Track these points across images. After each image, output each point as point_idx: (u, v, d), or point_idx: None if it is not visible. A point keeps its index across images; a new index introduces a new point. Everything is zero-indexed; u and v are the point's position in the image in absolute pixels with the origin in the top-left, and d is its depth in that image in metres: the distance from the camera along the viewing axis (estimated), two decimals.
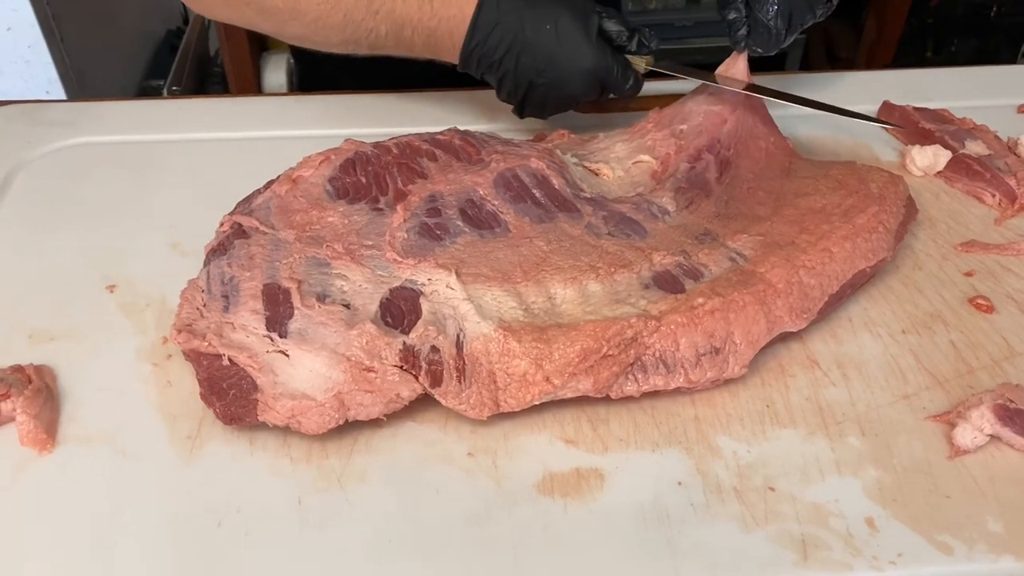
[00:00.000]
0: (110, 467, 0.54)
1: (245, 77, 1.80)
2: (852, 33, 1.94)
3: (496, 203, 0.63)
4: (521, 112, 0.76)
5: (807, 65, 2.07)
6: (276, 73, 1.84)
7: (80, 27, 1.52)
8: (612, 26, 0.72)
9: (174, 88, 1.68)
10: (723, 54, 0.76)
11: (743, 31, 0.71)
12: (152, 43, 1.88)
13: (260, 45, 1.86)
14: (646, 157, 0.70)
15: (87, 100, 0.92)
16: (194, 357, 0.56)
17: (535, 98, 0.74)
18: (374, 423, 0.55)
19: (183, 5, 1.98)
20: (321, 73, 1.05)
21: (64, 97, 1.45)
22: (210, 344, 0.55)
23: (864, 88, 0.90)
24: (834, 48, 2.03)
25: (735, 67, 0.74)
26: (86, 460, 0.54)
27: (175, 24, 1.98)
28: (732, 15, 0.71)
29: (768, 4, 0.69)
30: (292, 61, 1.83)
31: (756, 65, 0.76)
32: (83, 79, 1.50)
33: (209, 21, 1.90)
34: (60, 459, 0.54)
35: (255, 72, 1.82)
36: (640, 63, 0.75)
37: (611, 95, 0.75)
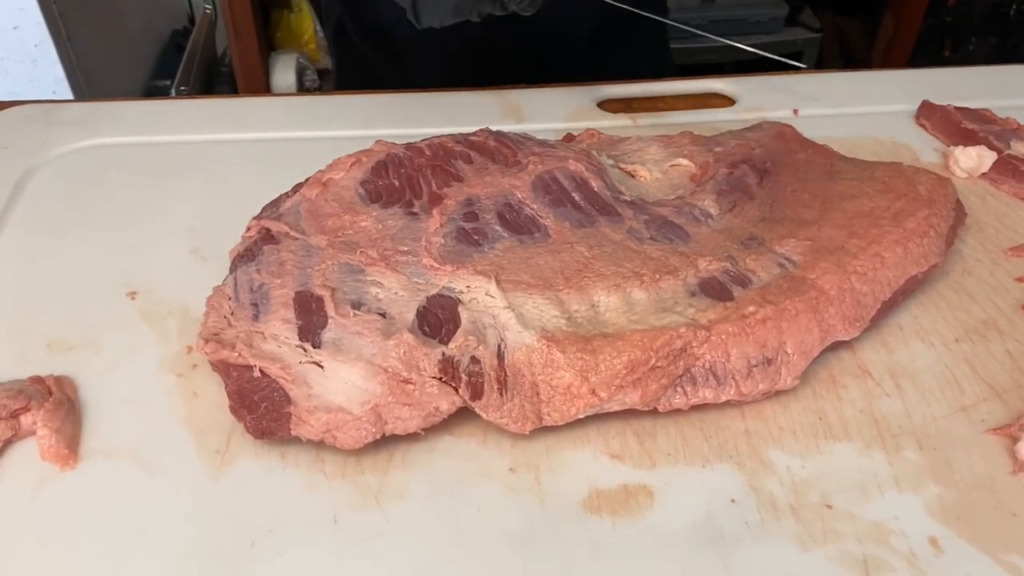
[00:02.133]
0: (135, 483, 0.51)
1: (254, 77, 1.78)
2: (868, 32, 1.92)
3: (535, 207, 0.60)
4: (413, 11, 0.71)
5: (821, 64, 2.05)
6: (285, 73, 1.83)
7: (87, 26, 1.50)
8: None
9: (182, 88, 1.67)
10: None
11: None
12: (159, 43, 1.86)
13: (269, 44, 1.84)
14: (684, 161, 0.68)
15: (101, 100, 0.90)
16: (223, 368, 0.53)
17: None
18: (410, 437, 0.53)
19: (190, 4, 1.97)
20: (360, 63, 1.02)
21: (71, 96, 1.43)
22: (240, 355, 0.52)
23: (898, 87, 0.88)
24: (849, 47, 2.02)
25: None
26: (110, 475, 0.52)
27: (181, 24, 1.96)
28: None
29: None
30: (302, 61, 1.81)
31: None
32: (90, 79, 1.48)
33: (217, 19, 1.88)
34: (83, 474, 0.52)
35: (264, 72, 1.80)
36: None
37: (508, 8, 0.68)
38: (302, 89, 1.84)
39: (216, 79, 1.89)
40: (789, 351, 0.54)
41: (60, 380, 0.56)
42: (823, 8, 2.02)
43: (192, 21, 1.98)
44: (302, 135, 0.82)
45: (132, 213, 0.72)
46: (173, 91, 1.67)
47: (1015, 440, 0.53)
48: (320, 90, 1.93)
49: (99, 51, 1.53)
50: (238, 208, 0.66)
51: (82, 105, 0.88)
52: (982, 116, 0.79)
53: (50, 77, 1.43)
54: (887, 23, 1.81)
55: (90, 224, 0.71)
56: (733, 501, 0.51)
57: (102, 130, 0.82)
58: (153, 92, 1.71)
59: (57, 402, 0.54)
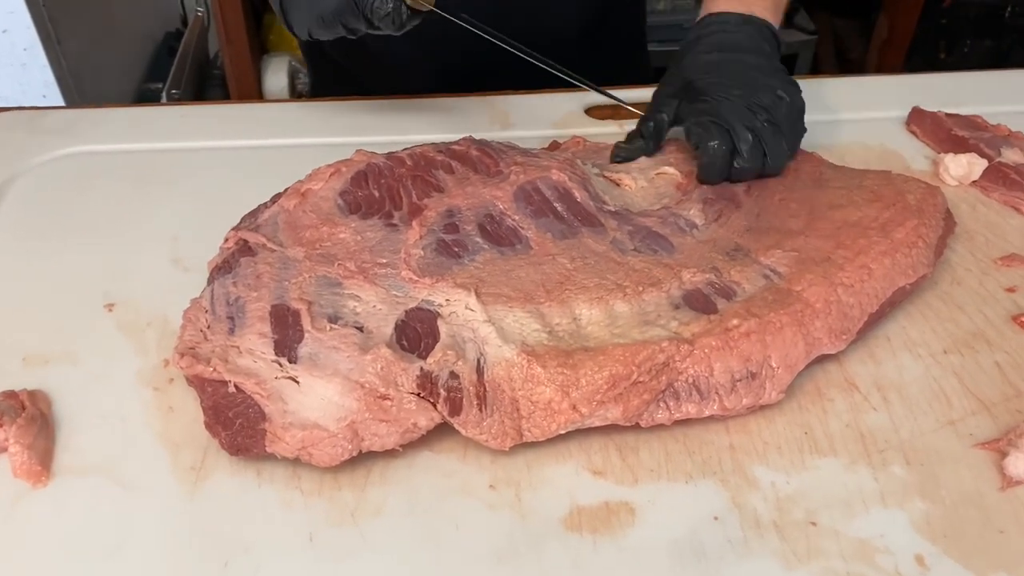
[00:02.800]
0: (109, 500, 0.50)
1: (246, 80, 1.77)
2: (862, 34, 1.92)
3: (516, 218, 0.59)
4: (285, 21, 0.71)
5: (816, 66, 2.05)
6: (277, 76, 1.82)
7: (77, 29, 1.49)
8: None
9: (173, 92, 1.65)
10: None
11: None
12: (151, 46, 1.85)
13: (261, 47, 1.83)
14: (670, 169, 0.67)
15: (85, 106, 0.89)
16: (198, 383, 0.52)
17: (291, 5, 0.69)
18: (389, 453, 0.52)
19: (182, 7, 1.96)
20: (333, 74, 1.01)
21: (61, 100, 1.42)
22: (215, 370, 0.52)
23: (889, 93, 0.87)
24: (844, 49, 2.01)
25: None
26: (83, 493, 0.51)
27: (174, 26, 1.95)
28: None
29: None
30: (294, 64, 1.80)
31: None
32: (80, 82, 1.47)
33: (209, 22, 1.87)
34: (55, 492, 0.51)
35: (256, 75, 1.79)
36: None
37: (376, 26, 0.64)
38: (294, 92, 1.83)
39: (208, 82, 1.88)
40: (774, 365, 0.53)
41: (34, 395, 0.55)
42: (818, 10, 2.01)
43: (184, 23, 1.97)
44: (289, 142, 0.82)
45: (114, 222, 0.71)
46: (164, 95, 1.65)
47: (1003, 455, 0.52)
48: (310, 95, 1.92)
49: (90, 54, 1.52)
50: (222, 217, 0.65)
51: (65, 112, 0.87)
52: (973, 123, 0.78)
53: (39, 81, 1.42)
54: (882, 25, 1.80)
55: (70, 233, 0.70)
56: (716, 518, 0.50)
57: (85, 137, 0.81)
58: (145, 95, 1.70)
59: (30, 417, 0.53)
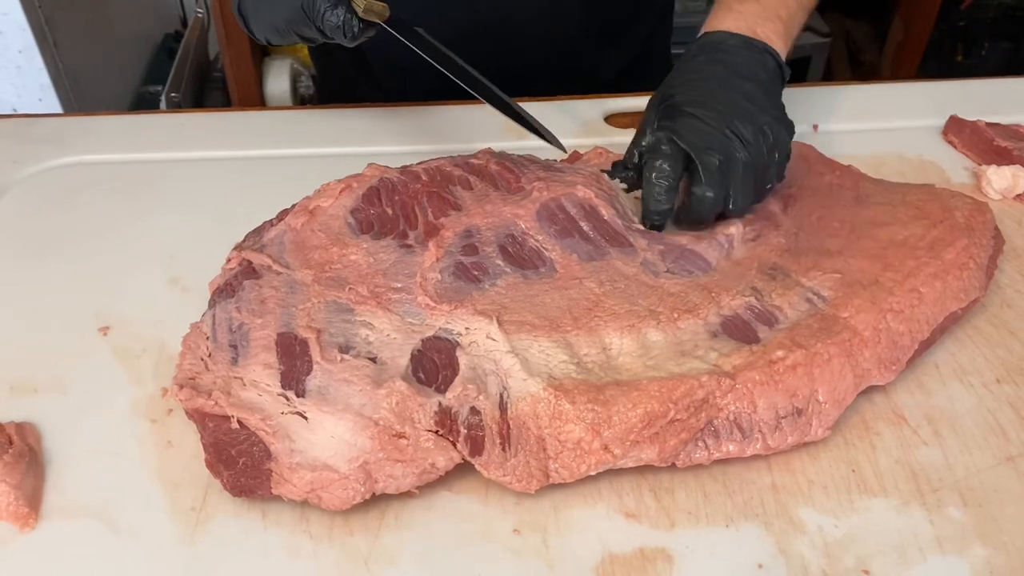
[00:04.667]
0: (101, 546, 0.47)
1: (247, 83, 1.73)
2: (877, 36, 1.88)
3: (540, 238, 0.55)
4: (246, 27, 0.71)
5: (829, 70, 2.01)
6: (279, 79, 1.77)
7: (74, 31, 1.45)
8: None
9: (172, 95, 1.61)
10: None
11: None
12: (150, 47, 1.81)
13: (262, 50, 1.79)
14: None
15: (78, 115, 0.85)
16: (198, 418, 0.48)
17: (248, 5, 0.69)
18: (405, 495, 0.48)
19: (182, 8, 1.92)
20: (339, 77, 0.98)
21: (58, 104, 1.38)
22: (216, 403, 0.48)
23: (922, 100, 0.84)
24: (858, 52, 1.97)
25: None
26: (73, 537, 0.47)
27: (173, 28, 1.91)
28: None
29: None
30: (296, 67, 1.76)
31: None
32: (77, 86, 1.43)
33: (209, 24, 1.83)
34: (43, 536, 0.47)
35: (257, 78, 1.75)
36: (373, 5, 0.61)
37: (329, 36, 0.63)
38: (296, 95, 1.79)
39: (208, 85, 1.84)
40: (821, 400, 0.49)
41: (22, 428, 0.51)
42: (832, 12, 1.97)
43: (184, 24, 1.93)
44: (294, 152, 0.78)
45: (108, 238, 0.68)
46: (163, 97, 1.61)
47: None
48: (315, 97, 1.88)
49: (87, 57, 1.48)
50: (224, 233, 0.62)
51: (57, 120, 0.83)
52: (1015, 132, 0.74)
53: (36, 84, 1.38)
54: (897, 27, 1.77)
55: (62, 250, 0.66)
56: (761, 566, 0.46)
57: (79, 147, 0.77)
58: (144, 98, 1.67)
59: (18, 454, 0.49)
